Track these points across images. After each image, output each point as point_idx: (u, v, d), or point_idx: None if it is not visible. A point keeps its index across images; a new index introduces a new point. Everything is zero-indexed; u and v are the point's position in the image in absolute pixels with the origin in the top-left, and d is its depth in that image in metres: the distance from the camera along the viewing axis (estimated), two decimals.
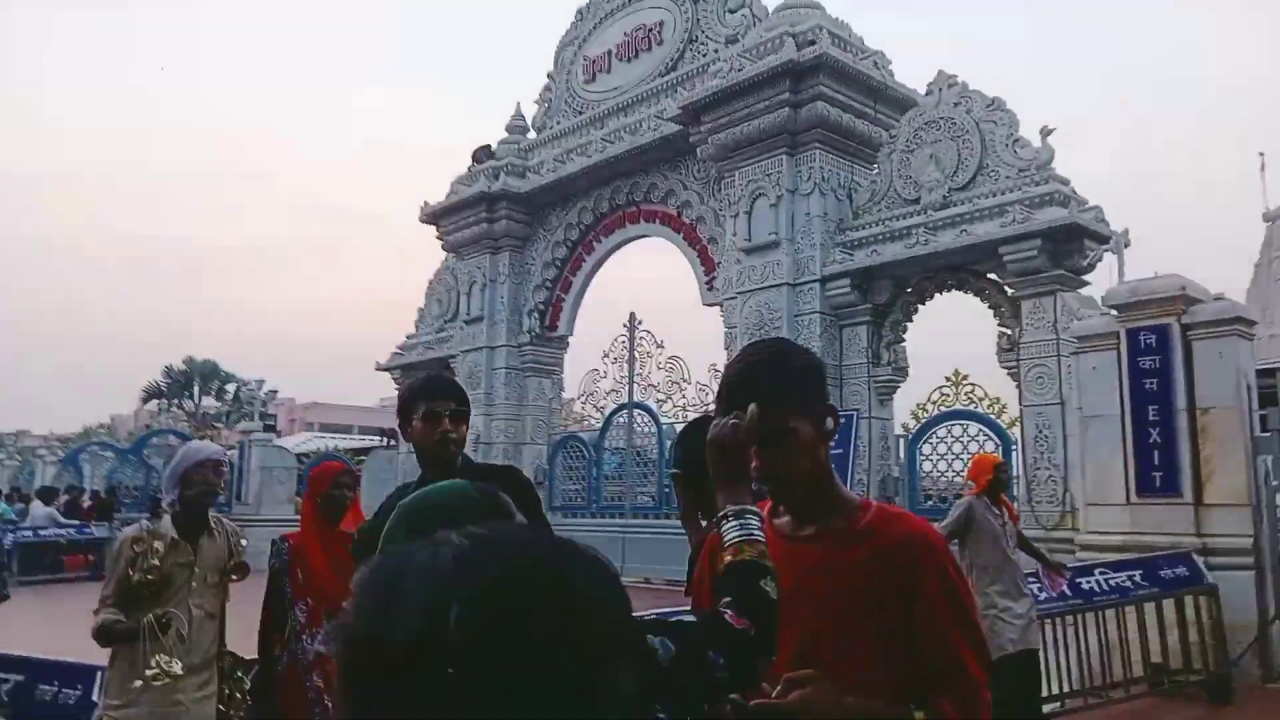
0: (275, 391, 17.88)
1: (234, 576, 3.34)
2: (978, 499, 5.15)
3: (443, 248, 16.77)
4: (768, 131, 11.14)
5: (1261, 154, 18.98)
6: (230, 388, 40.25)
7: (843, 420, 9.39)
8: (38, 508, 15.64)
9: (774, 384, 1.44)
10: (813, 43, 10.68)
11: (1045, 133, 9.53)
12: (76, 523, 15.73)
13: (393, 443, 18.69)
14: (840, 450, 9.65)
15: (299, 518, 3.55)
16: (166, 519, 3.20)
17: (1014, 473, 9.09)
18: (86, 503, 17.07)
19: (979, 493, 5.18)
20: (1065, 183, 9.37)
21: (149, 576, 3.04)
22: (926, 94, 10.64)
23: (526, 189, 14.99)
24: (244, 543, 3.40)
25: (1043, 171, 9.41)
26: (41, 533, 15.24)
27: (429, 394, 2.42)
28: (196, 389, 37.86)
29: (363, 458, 19.15)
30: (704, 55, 13.01)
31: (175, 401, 37.91)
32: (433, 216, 16.32)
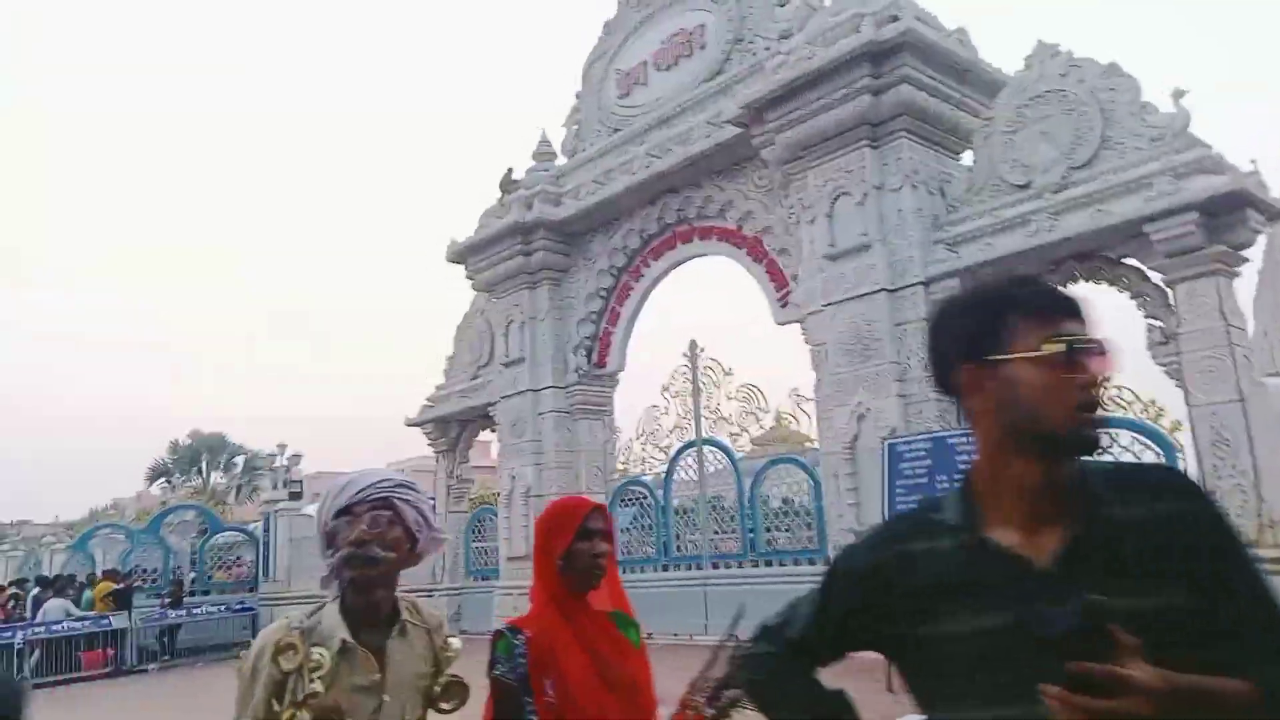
0: (299, 456, 16.54)
1: (446, 706, 1.99)
2: None
3: (473, 287, 15.59)
4: (845, 123, 10.00)
5: None
6: (239, 460, 38.87)
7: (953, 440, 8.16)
8: (52, 601, 14.23)
9: None
10: (895, 18, 9.59)
11: (1177, 95, 8.39)
12: (92, 614, 14.30)
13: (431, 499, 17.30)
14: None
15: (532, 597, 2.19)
16: (330, 609, 1.90)
17: None
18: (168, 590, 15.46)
19: None
20: (1209, 148, 8.20)
21: (307, 715, 1.74)
22: (1025, 68, 9.51)
23: (564, 216, 13.84)
24: (455, 643, 2.06)
25: (1181, 138, 8.25)
26: (55, 628, 13.82)
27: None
28: (205, 464, 36.44)
29: None
30: (754, 54, 11.94)
31: (183, 478, 36.47)
32: (460, 254, 15.15)
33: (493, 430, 16.20)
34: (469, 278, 15.37)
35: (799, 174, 10.69)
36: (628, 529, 13.68)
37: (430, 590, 16.30)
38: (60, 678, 13.60)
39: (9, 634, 13.54)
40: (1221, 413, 7.75)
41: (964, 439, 7.59)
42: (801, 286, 10.59)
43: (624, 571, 11.98)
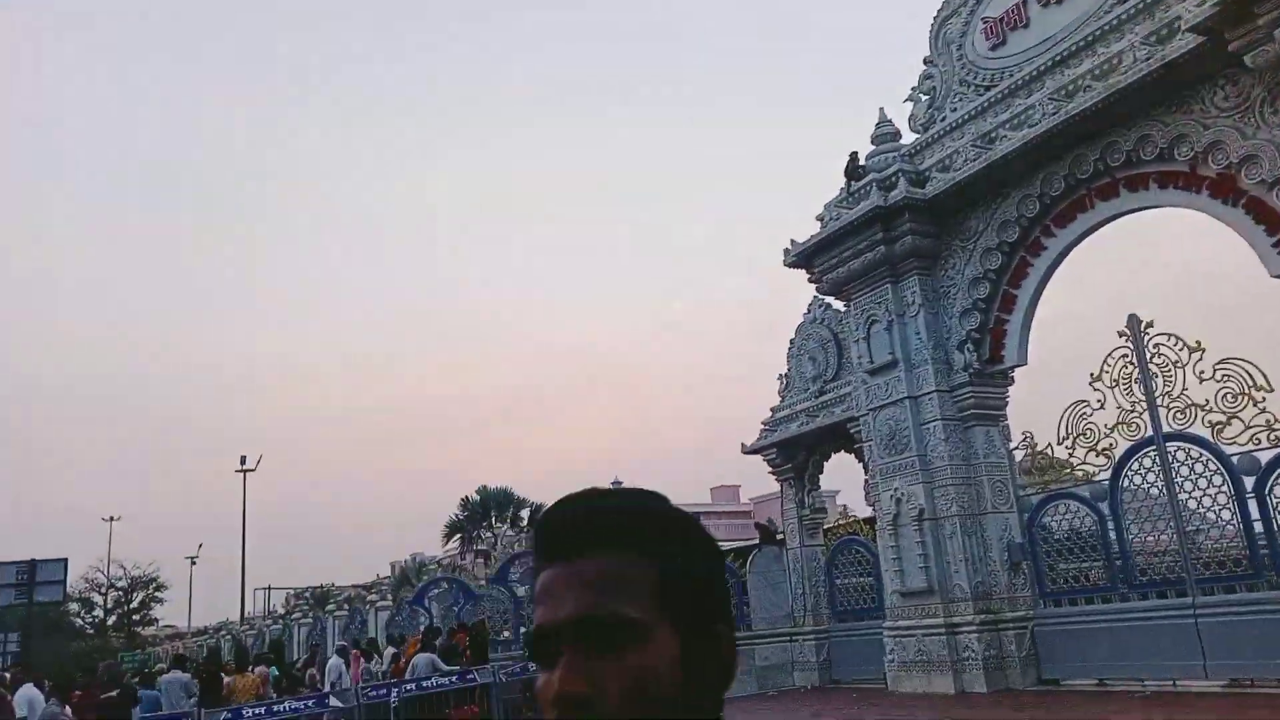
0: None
1: None
2: None
3: (819, 290, 13.99)
4: None
5: None
6: (524, 514, 39.45)
7: None
8: (420, 656, 13.77)
9: None
10: None
11: None
12: (458, 668, 13.69)
13: (780, 534, 15.73)
14: None
15: None
16: None
17: None
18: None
19: None
20: None
21: None
22: None
23: (934, 193, 11.96)
24: None
25: None
26: (425, 684, 13.28)
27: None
28: (493, 518, 37.18)
29: (740, 561, 16.31)
30: None
31: (474, 533, 37.33)
32: (804, 257, 13.60)
33: (848, 451, 14.43)
34: (813, 281, 13.79)
35: None
36: (1062, 553, 11.36)
37: (791, 636, 14.62)
38: None
39: (384, 692, 13.13)
40: None
41: None
42: None
43: (1070, 603, 9.66)
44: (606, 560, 0.72)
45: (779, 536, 15.72)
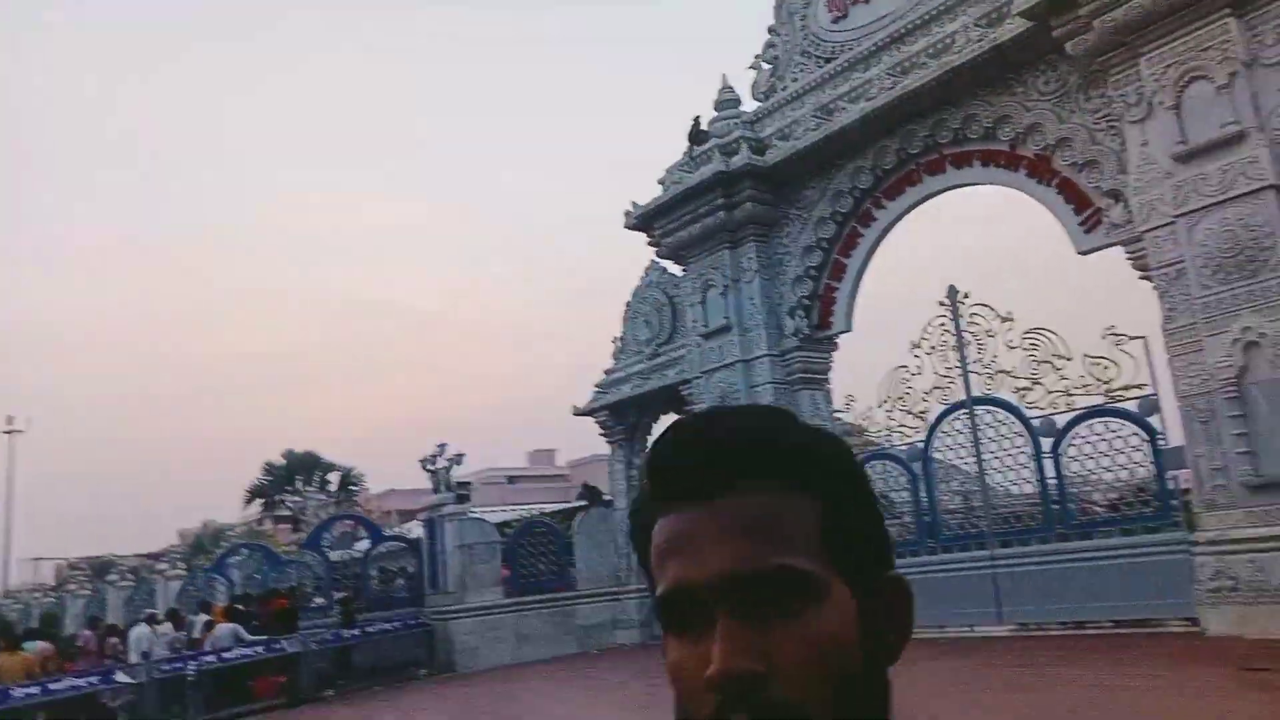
0: (462, 455, 14.98)
1: None
2: None
3: (659, 254, 13.96)
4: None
5: None
6: (333, 477, 37.68)
7: None
8: (222, 626, 12.73)
9: None
10: None
11: None
12: (264, 638, 12.78)
13: (607, 496, 15.69)
14: None
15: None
16: None
17: None
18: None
19: None
20: None
21: None
22: None
23: (775, 160, 12.15)
24: None
25: None
26: (227, 656, 12.32)
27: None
28: (299, 482, 35.23)
29: (566, 523, 16.17)
30: None
31: (278, 499, 35.29)
32: (645, 219, 13.53)
33: (678, 413, 14.54)
34: (653, 244, 13.75)
35: (1122, 64, 8.90)
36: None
37: (615, 595, 14.67)
38: (235, 710, 12.12)
39: (180, 664, 12.06)
40: None
41: None
42: (1136, 199, 8.77)
43: None
44: (762, 497, 0.56)
45: (605, 498, 15.70)
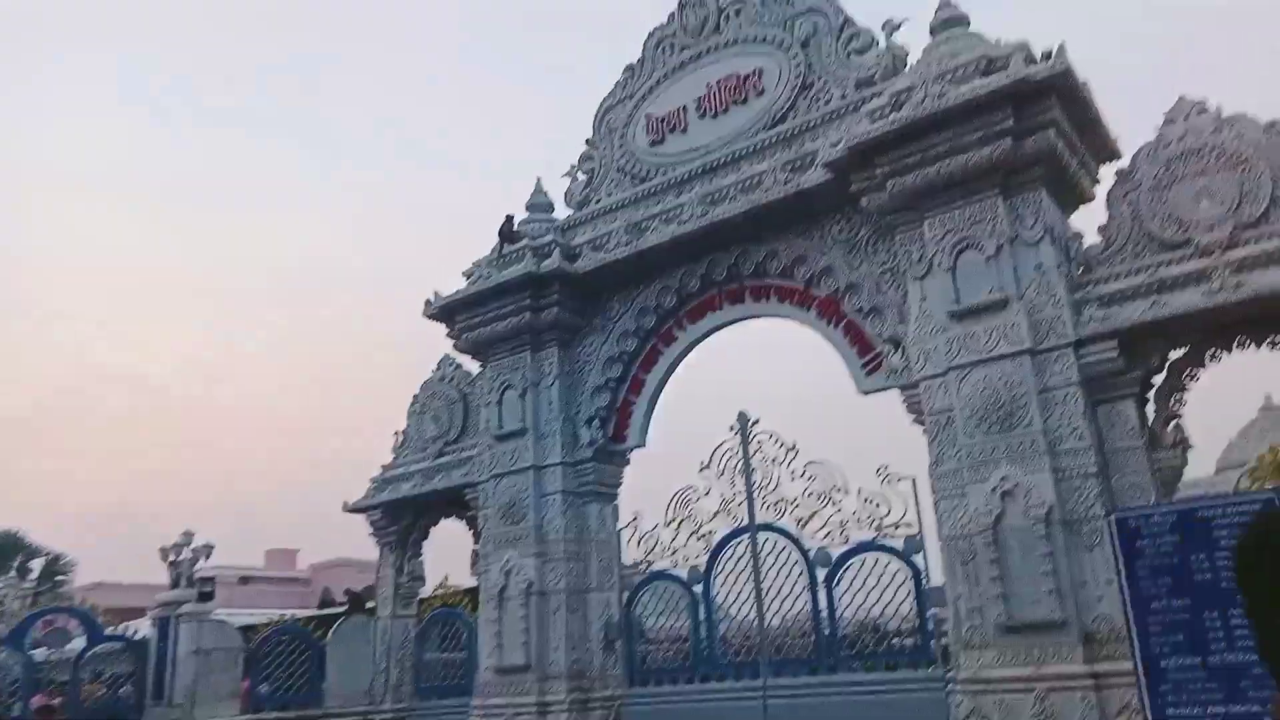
0: (210, 546, 13.50)
1: None
2: None
3: (457, 347, 13.48)
4: (977, 169, 9.09)
5: None
6: (35, 564, 33.34)
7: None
8: None
9: None
10: (1048, 56, 8.90)
11: None
12: None
13: (371, 605, 14.56)
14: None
15: None
16: None
17: None
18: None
19: None
20: None
21: None
22: (1166, 123, 9.00)
23: (586, 269, 12.20)
24: None
25: None
26: None
27: None
28: None
29: (320, 630, 14.81)
30: (826, 102, 11.03)
31: None
32: (448, 310, 13.11)
33: (459, 517, 13.88)
34: (453, 337, 13.30)
35: (908, 224, 9.67)
36: (650, 632, 11.75)
37: (368, 713, 13.48)
38: None
39: None
40: None
41: (1220, 509, 6.45)
42: (914, 348, 9.40)
43: (657, 683, 10.10)
44: None
45: (369, 606, 14.59)
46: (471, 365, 13.82)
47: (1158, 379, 8.66)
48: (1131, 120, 9.63)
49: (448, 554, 15.00)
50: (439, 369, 14.55)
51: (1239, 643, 5.84)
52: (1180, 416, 8.62)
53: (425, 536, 14.44)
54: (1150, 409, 8.67)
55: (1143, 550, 6.62)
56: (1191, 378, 8.60)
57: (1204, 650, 5.97)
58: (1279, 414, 27.88)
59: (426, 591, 14.64)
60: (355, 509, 14.41)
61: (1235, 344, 8.41)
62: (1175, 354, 8.59)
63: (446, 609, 13.69)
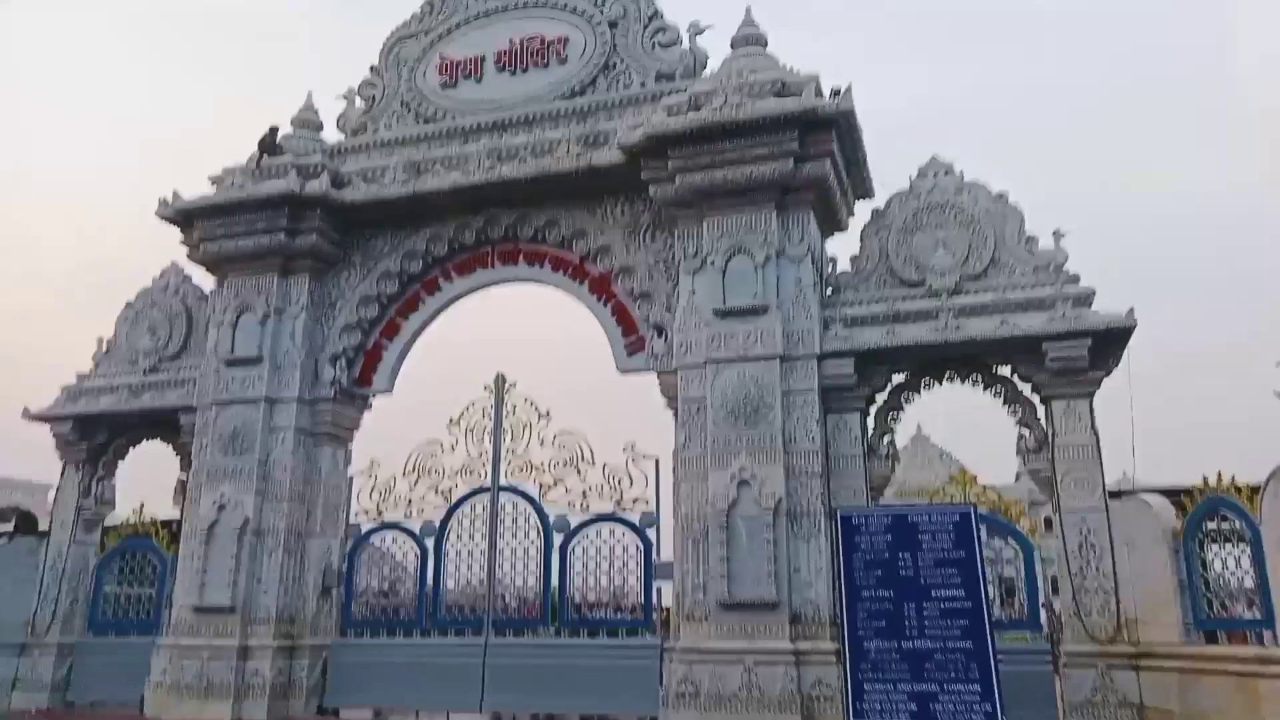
0: None
1: None
2: None
3: (192, 256, 12.22)
4: (758, 182, 9.74)
5: None
6: None
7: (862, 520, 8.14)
8: None
9: None
10: (836, 92, 9.67)
11: (1059, 236, 9.55)
12: None
13: (44, 530, 12.88)
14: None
15: None
16: None
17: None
18: None
19: None
20: (1089, 287, 9.24)
21: None
22: (918, 177, 10.20)
23: (354, 200, 11.55)
24: None
25: (1062, 272, 9.37)
26: None
27: None
28: None
29: None
30: (627, 86, 11.25)
31: None
32: (186, 215, 11.85)
33: (166, 440, 12.67)
34: (191, 245, 12.05)
35: (688, 220, 10.16)
36: (375, 584, 11.52)
37: (23, 648, 12.06)
38: None
39: None
40: (1089, 519, 8.72)
41: (927, 517, 7.53)
42: (678, 337, 9.92)
43: (372, 634, 10.16)
44: None
45: (43, 530, 12.95)
46: (204, 280, 12.63)
47: (880, 397, 9.82)
48: (885, 166, 10.82)
49: (144, 480, 13.65)
50: (162, 276, 13.11)
51: (928, 631, 6.91)
52: (894, 432, 9.86)
53: (122, 457, 13.03)
54: (870, 423, 9.82)
55: (860, 545, 7.56)
56: (908, 400, 9.86)
57: (900, 635, 6.98)
58: (926, 443, 32.23)
59: (115, 520, 13.20)
60: (40, 418, 12.68)
61: (945, 377, 9.75)
62: (898, 378, 9.80)
63: (138, 538, 12.44)
